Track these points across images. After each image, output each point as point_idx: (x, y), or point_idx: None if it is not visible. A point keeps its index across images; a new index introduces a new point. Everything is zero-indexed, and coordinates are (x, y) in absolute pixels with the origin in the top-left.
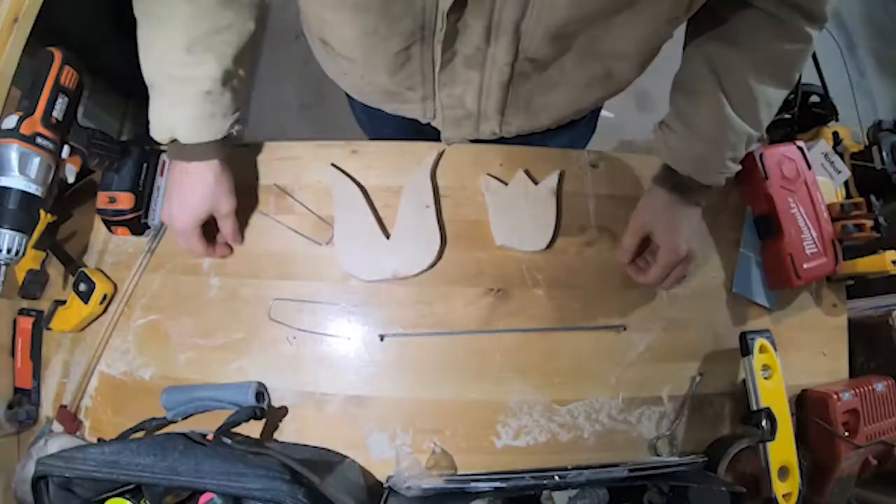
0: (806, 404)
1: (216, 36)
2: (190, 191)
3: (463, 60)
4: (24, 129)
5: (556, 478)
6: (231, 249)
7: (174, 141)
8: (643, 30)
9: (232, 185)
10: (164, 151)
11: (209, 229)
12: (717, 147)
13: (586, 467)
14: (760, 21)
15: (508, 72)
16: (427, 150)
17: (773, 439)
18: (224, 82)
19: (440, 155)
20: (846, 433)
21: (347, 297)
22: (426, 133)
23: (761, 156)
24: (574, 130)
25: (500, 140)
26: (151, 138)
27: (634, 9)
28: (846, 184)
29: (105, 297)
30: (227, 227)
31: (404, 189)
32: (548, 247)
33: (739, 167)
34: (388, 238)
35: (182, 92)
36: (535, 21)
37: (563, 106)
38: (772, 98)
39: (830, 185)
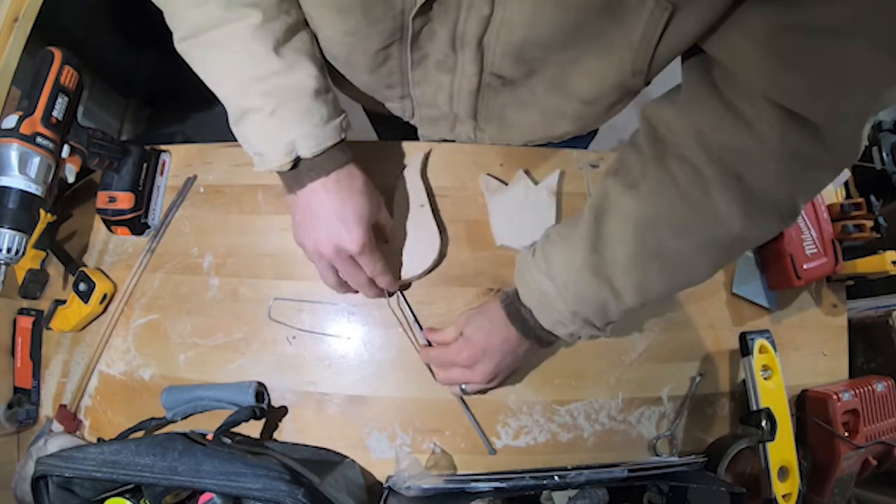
0: (806, 404)
1: (295, 37)
2: (342, 202)
3: (434, 63)
4: (24, 129)
5: (556, 478)
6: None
7: (295, 165)
8: (611, 76)
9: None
10: (165, 151)
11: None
12: (563, 294)
13: (586, 467)
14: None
15: (476, 82)
16: (413, 149)
17: (773, 439)
18: (325, 77)
19: (428, 153)
20: (846, 433)
21: (347, 297)
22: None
23: None
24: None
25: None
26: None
27: (598, 47)
28: (846, 184)
29: (105, 296)
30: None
31: (397, 191)
32: None
33: (599, 333)
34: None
35: (290, 100)
36: (495, 38)
37: (533, 129)
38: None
39: (830, 186)
